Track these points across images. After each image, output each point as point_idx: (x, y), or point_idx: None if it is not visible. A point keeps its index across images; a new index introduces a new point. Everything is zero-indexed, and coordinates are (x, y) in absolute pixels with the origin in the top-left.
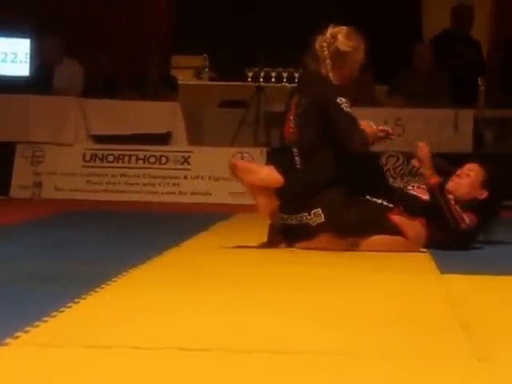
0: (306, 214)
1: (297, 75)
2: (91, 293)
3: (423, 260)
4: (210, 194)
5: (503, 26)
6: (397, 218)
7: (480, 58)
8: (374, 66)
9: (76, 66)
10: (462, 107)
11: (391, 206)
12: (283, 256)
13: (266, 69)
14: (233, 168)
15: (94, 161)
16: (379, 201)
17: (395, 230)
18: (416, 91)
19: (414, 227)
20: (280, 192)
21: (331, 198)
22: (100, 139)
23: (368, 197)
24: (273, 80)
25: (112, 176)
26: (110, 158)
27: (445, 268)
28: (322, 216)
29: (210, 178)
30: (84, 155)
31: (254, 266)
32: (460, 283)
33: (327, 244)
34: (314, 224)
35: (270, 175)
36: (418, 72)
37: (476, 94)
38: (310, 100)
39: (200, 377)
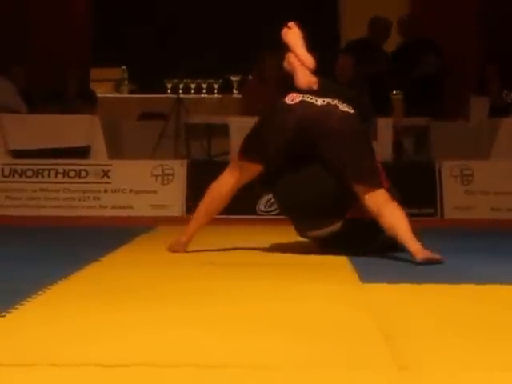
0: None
1: (216, 86)
2: (11, 310)
3: (344, 269)
4: (131, 207)
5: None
6: None
7: (391, 70)
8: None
9: (6, 82)
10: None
11: None
12: (204, 269)
13: (185, 80)
14: None
15: (13, 176)
16: None
17: None
18: None
19: None
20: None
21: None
22: (19, 154)
23: None
24: (192, 91)
25: (31, 191)
26: (29, 173)
27: (366, 277)
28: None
29: (130, 191)
30: (2, 170)
31: (176, 280)
32: (381, 292)
33: None
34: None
35: None
36: (338, 81)
37: (390, 104)
38: None
39: None
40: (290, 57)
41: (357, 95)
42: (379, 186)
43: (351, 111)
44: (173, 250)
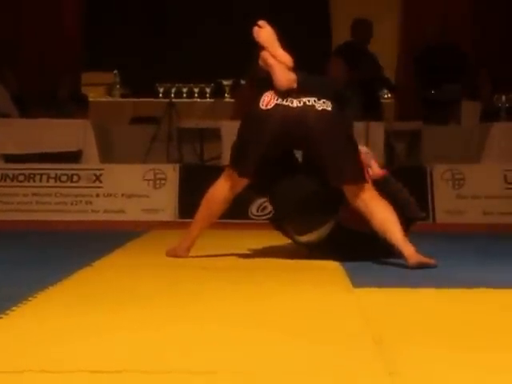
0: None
1: (208, 90)
2: (1, 316)
3: (336, 274)
4: (123, 212)
5: (412, 40)
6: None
7: (378, 72)
8: None
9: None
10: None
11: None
12: (196, 274)
13: (177, 84)
14: None
15: (5, 180)
16: None
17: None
18: None
19: None
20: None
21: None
22: (10, 158)
23: None
24: (184, 96)
25: (23, 195)
26: (21, 178)
27: (358, 282)
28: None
29: (122, 195)
30: None
31: (168, 285)
32: (373, 297)
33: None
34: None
35: None
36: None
37: (379, 107)
38: None
39: None
40: (266, 55)
41: (332, 83)
42: (364, 181)
43: (329, 108)
44: (175, 254)
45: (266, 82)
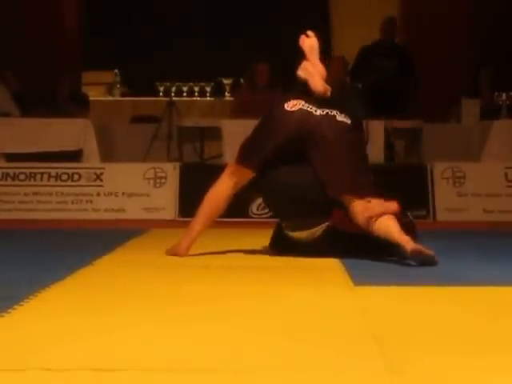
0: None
1: (208, 89)
2: (4, 314)
3: (336, 272)
4: (124, 211)
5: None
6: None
7: (408, 67)
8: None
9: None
10: (374, 118)
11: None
12: (197, 272)
13: (177, 83)
14: None
15: (6, 179)
16: None
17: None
18: None
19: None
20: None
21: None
22: (11, 157)
23: None
24: (184, 94)
25: (24, 194)
26: (22, 177)
27: (358, 279)
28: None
29: (123, 194)
30: None
31: (169, 283)
32: (373, 295)
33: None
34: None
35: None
36: (330, 84)
37: (404, 105)
38: None
39: None
40: (307, 65)
41: (357, 106)
42: (366, 195)
43: (348, 121)
44: (174, 253)
45: (301, 88)
